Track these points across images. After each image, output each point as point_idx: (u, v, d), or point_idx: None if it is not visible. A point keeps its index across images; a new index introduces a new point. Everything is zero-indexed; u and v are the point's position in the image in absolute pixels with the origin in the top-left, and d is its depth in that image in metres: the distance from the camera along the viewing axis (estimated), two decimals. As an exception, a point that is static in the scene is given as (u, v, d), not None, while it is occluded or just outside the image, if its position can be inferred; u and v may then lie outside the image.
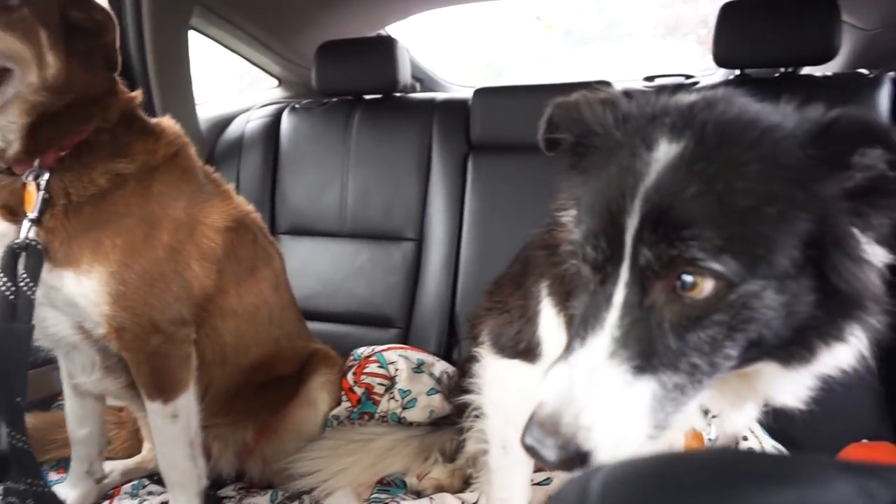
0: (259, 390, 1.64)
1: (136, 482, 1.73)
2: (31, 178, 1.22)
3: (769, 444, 1.45)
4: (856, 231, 0.71)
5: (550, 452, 0.68)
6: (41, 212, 1.23)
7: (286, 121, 2.47)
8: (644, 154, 0.72)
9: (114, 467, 1.74)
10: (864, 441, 1.55)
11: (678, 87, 1.98)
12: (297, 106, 2.50)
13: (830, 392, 0.87)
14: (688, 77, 2.34)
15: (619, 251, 0.70)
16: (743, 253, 0.66)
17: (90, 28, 1.26)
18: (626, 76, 2.68)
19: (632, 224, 0.69)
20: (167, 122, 1.47)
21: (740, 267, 0.66)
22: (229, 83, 4.02)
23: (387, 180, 2.25)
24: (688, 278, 0.67)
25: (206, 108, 2.60)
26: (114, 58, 1.30)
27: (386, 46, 2.31)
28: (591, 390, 0.68)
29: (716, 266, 0.65)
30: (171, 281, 1.36)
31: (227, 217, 1.51)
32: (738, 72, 2.04)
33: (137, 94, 1.43)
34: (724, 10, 1.91)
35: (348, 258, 2.25)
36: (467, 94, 2.28)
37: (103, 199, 1.27)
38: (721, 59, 1.94)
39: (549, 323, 1.12)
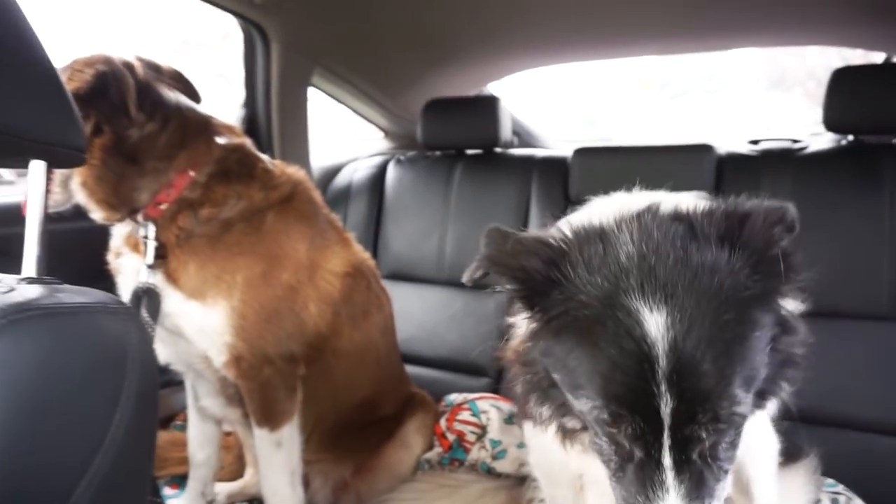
0: (361, 430, 1.72)
1: (238, 505, 1.85)
2: (140, 231, 1.40)
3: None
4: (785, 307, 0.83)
5: None
6: (163, 255, 1.39)
7: (391, 171, 2.62)
8: (634, 328, 0.75)
9: (220, 489, 1.86)
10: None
11: (784, 152, 1.98)
12: (401, 158, 2.65)
13: None
14: (795, 141, 2.30)
15: (657, 426, 0.76)
16: (749, 384, 0.77)
17: (83, 84, 1.29)
18: (727, 135, 2.66)
19: (665, 405, 0.75)
20: (282, 168, 1.59)
21: (749, 396, 0.77)
22: (335, 131, 4.28)
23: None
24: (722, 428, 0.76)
25: (319, 157, 2.80)
26: (118, 99, 1.32)
27: (489, 105, 2.43)
28: None
29: (744, 411, 0.76)
30: (287, 318, 1.48)
31: (346, 263, 1.63)
32: (850, 137, 1.99)
33: (243, 144, 1.53)
34: (837, 75, 1.89)
35: (443, 305, 2.33)
36: (566, 151, 2.35)
37: (212, 240, 1.40)
38: (832, 124, 1.91)
39: None
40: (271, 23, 2.11)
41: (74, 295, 0.69)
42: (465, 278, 0.93)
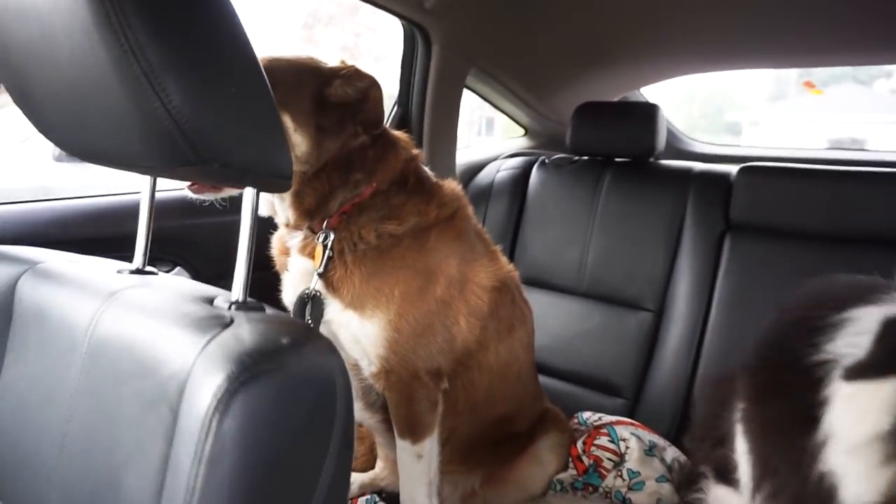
0: (494, 444, 1.72)
1: (369, 496, 1.91)
2: (320, 238, 1.42)
3: None
4: None
5: None
6: (329, 264, 1.41)
7: (535, 174, 2.58)
8: None
9: (353, 479, 1.94)
10: None
11: None
12: (546, 161, 2.59)
13: None
14: None
15: None
16: None
17: (349, 99, 1.35)
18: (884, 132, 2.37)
19: None
20: (449, 184, 1.60)
21: None
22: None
23: (631, 246, 2.24)
24: None
25: (462, 154, 2.81)
26: (373, 119, 1.39)
27: (647, 112, 2.31)
28: None
29: None
30: (438, 333, 1.49)
31: (493, 277, 1.61)
32: None
33: (418, 155, 1.55)
34: None
35: (581, 317, 2.27)
36: (729, 167, 2.20)
37: (381, 253, 1.42)
38: None
39: (742, 449, 1.04)
40: (436, 25, 2.12)
41: (288, 332, 0.72)
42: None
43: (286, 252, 1.55)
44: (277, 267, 1.59)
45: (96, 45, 0.66)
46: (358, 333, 1.44)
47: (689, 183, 2.20)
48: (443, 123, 2.44)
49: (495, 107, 2.86)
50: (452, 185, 1.62)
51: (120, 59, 0.65)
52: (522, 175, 2.62)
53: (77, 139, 0.84)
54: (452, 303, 1.52)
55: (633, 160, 2.40)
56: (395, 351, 1.43)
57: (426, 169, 1.59)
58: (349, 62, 1.42)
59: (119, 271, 1.01)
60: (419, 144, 2.39)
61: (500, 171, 2.70)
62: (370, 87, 1.36)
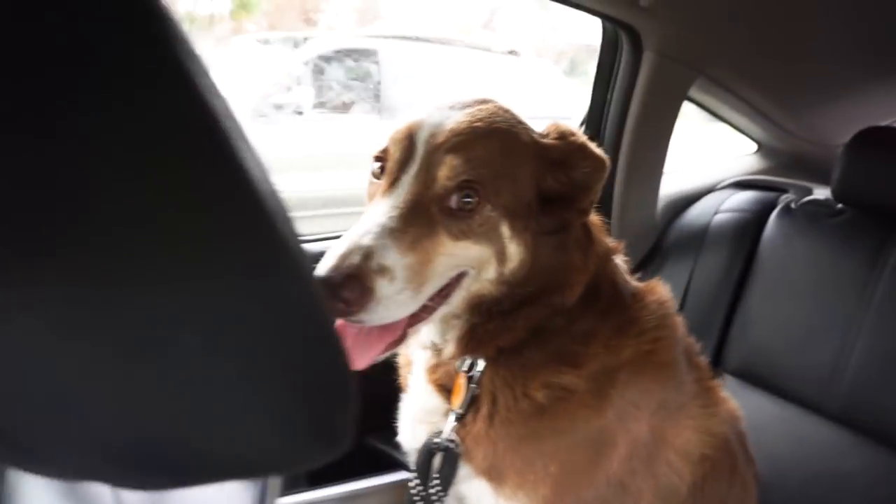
0: None
1: None
2: (465, 366, 0.97)
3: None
4: None
5: None
6: (467, 409, 0.97)
7: (774, 222, 1.84)
8: None
9: None
10: None
11: None
12: (794, 205, 1.84)
13: None
14: None
15: None
16: None
17: (570, 187, 0.93)
18: None
19: None
20: (653, 291, 1.06)
21: None
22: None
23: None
24: None
25: (664, 181, 2.15)
26: (589, 208, 0.97)
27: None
28: None
29: None
30: None
31: (705, 437, 1.05)
32: None
33: (616, 247, 1.06)
34: None
35: (827, 454, 1.55)
36: None
37: (542, 409, 0.95)
38: None
39: None
40: (650, 26, 1.50)
41: None
42: None
43: (408, 364, 1.13)
44: (402, 379, 1.16)
45: None
46: None
47: None
48: (649, 148, 1.83)
49: (719, 118, 2.14)
50: (659, 291, 1.07)
51: None
52: (755, 221, 1.89)
53: None
54: (633, 481, 0.99)
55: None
56: None
57: (623, 266, 1.06)
58: (562, 125, 0.97)
59: None
60: (611, 173, 1.82)
61: (720, 211, 1.99)
62: (600, 171, 0.94)
